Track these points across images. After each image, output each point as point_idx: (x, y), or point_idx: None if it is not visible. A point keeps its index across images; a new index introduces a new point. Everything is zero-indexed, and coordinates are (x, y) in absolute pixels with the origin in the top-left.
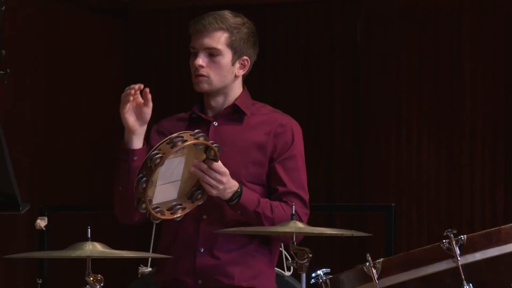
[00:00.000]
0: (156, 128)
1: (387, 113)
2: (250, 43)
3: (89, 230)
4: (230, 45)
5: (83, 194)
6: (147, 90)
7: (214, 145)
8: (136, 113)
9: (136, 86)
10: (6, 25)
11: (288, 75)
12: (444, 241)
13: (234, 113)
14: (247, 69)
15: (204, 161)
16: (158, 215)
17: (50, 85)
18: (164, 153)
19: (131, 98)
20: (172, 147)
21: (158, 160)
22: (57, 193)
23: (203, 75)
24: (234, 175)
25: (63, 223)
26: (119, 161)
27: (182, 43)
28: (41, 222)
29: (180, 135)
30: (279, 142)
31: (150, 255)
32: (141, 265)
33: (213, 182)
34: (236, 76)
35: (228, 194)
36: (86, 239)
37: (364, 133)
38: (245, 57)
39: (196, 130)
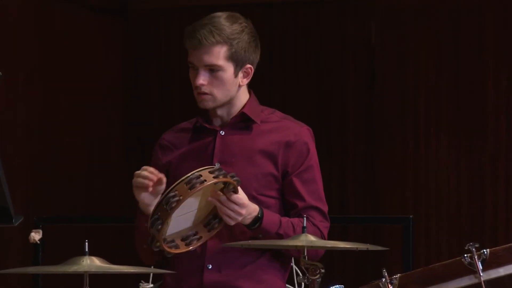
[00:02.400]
0: (159, 143)
1: (403, 118)
2: (251, 48)
3: (86, 243)
4: (231, 57)
5: (80, 204)
6: (164, 179)
7: (234, 178)
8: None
9: (155, 178)
10: (0, 25)
11: (297, 78)
12: (465, 255)
13: (242, 121)
14: (251, 76)
15: (222, 191)
16: (172, 249)
17: (46, 88)
18: (181, 196)
19: (150, 189)
20: (190, 189)
21: (175, 204)
22: (53, 203)
23: (205, 93)
24: (243, 188)
25: (59, 236)
26: (139, 222)
27: (183, 43)
28: (36, 235)
29: (199, 174)
30: (292, 153)
31: (151, 270)
32: (142, 281)
33: (231, 213)
34: (240, 86)
35: (248, 220)
36: (83, 253)
37: (379, 139)
38: (248, 66)
39: (216, 167)
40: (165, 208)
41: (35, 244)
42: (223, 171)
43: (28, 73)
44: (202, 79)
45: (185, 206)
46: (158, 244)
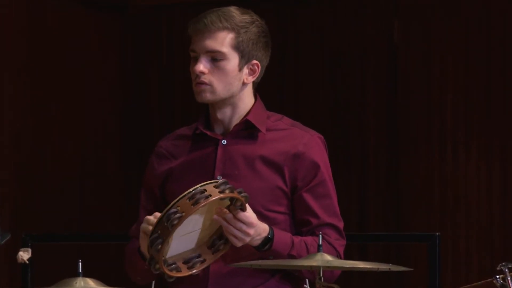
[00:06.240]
0: (155, 151)
1: (429, 124)
2: (260, 44)
3: (80, 263)
4: (237, 47)
5: (73, 220)
6: None
7: (242, 194)
8: None
9: None
10: None
11: (312, 81)
12: (497, 276)
13: (246, 129)
14: (257, 75)
15: (229, 208)
16: (173, 272)
17: (35, 91)
18: (183, 212)
19: None
20: (193, 205)
21: (176, 221)
22: (43, 219)
23: (204, 83)
24: (249, 203)
25: (50, 255)
26: (134, 255)
27: (186, 43)
28: (24, 255)
29: (203, 188)
30: (302, 166)
31: None
32: None
33: (238, 234)
34: (244, 84)
35: (257, 241)
36: (76, 274)
37: (402, 148)
38: (254, 61)
39: (222, 180)
40: (166, 225)
41: (23, 264)
42: (230, 185)
43: (16, 74)
44: (203, 66)
45: (188, 225)
46: (157, 266)
